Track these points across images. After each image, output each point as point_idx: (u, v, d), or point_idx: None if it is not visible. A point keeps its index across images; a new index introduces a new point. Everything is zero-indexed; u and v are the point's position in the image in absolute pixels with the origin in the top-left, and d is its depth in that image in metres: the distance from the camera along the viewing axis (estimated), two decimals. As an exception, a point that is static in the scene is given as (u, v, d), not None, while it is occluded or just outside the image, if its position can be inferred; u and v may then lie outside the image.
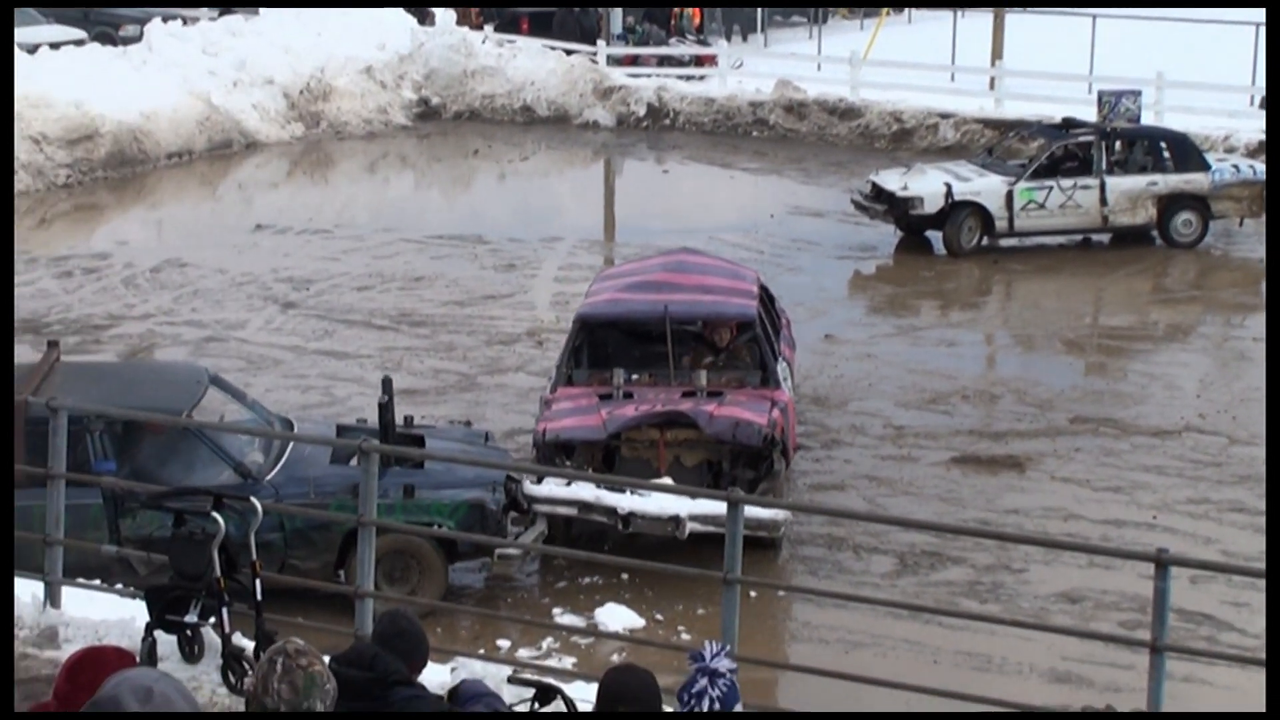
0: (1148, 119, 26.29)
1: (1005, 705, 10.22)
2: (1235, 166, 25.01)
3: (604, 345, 16.16)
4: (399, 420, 13.53)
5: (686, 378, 15.12)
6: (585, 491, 13.70)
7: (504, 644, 12.68)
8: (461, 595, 13.65)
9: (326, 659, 5.89)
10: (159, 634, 10.48)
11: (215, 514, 10.43)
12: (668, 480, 13.81)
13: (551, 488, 13.68)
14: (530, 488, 13.64)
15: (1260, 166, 25.46)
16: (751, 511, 12.83)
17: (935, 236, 24.56)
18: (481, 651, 11.83)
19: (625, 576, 13.74)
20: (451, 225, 26.18)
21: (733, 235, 25.40)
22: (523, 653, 12.44)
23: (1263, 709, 11.69)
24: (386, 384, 13.33)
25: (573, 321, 16.08)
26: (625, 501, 13.64)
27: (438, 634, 11.97)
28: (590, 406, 14.67)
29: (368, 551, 10.42)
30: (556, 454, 14.28)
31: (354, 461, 12.94)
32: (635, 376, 15.24)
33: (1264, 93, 33.73)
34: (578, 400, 14.87)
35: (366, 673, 6.62)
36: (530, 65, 36.36)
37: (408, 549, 12.94)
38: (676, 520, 13.56)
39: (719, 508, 12.36)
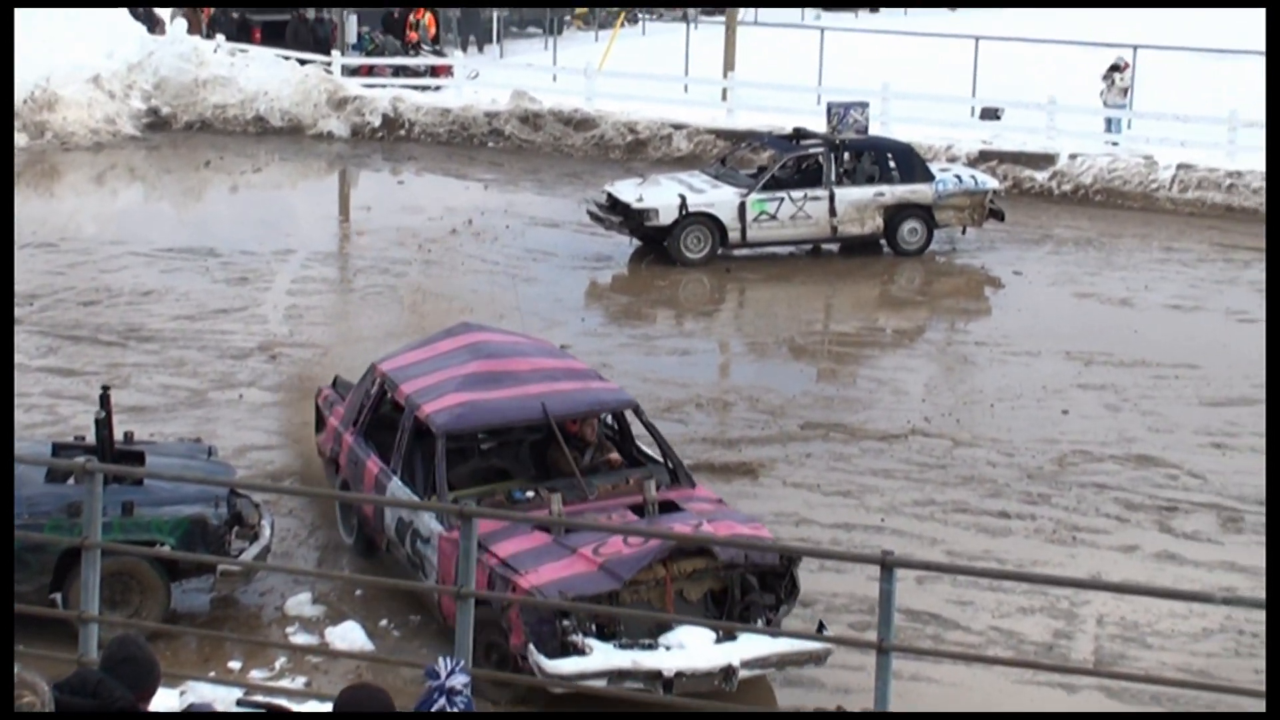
0: (874, 130, 26.79)
1: (740, 709, 10.32)
2: (958, 177, 25.65)
3: (469, 459, 14.00)
4: (118, 436, 13.22)
5: (591, 487, 12.94)
6: (619, 658, 11.59)
7: (235, 665, 12.45)
8: (190, 616, 13.39)
9: (48, 687, 5.74)
10: None
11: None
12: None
13: (579, 662, 11.50)
14: (552, 665, 11.46)
15: (981, 176, 26.19)
16: (796, 645, 11.90)
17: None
18: (212, 674, 11.64)
19: (359, 592, 13.62)
20: (182, 238, 25.71)
21: (469, 246, 25.35)
22: (255, 674, 12.23)
23: (990, 707, 12.02)
24: (104, 399, 13.01)
25: (414, 434, 13.42)
26: (668, 661, 11.55)
27: (166, 656, 11.71)
28: (557, 547, 12.13)
29: (91, 575, 10.15)
30: (557, 618, 11.71)
31: (72, 480, 12.63)
32: (530, 495, 12.89)
33: (983, 104, 34.70)
34: (526, 540, 12.24)
35: (90, 700, 6.47)
36: (263, 75, 35.87)
37: (126, 569, 12.62)
38: (728, 671, 11.65)
39: (771, 646, 11.78)
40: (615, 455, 13.71)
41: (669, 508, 12.79)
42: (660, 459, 13.63)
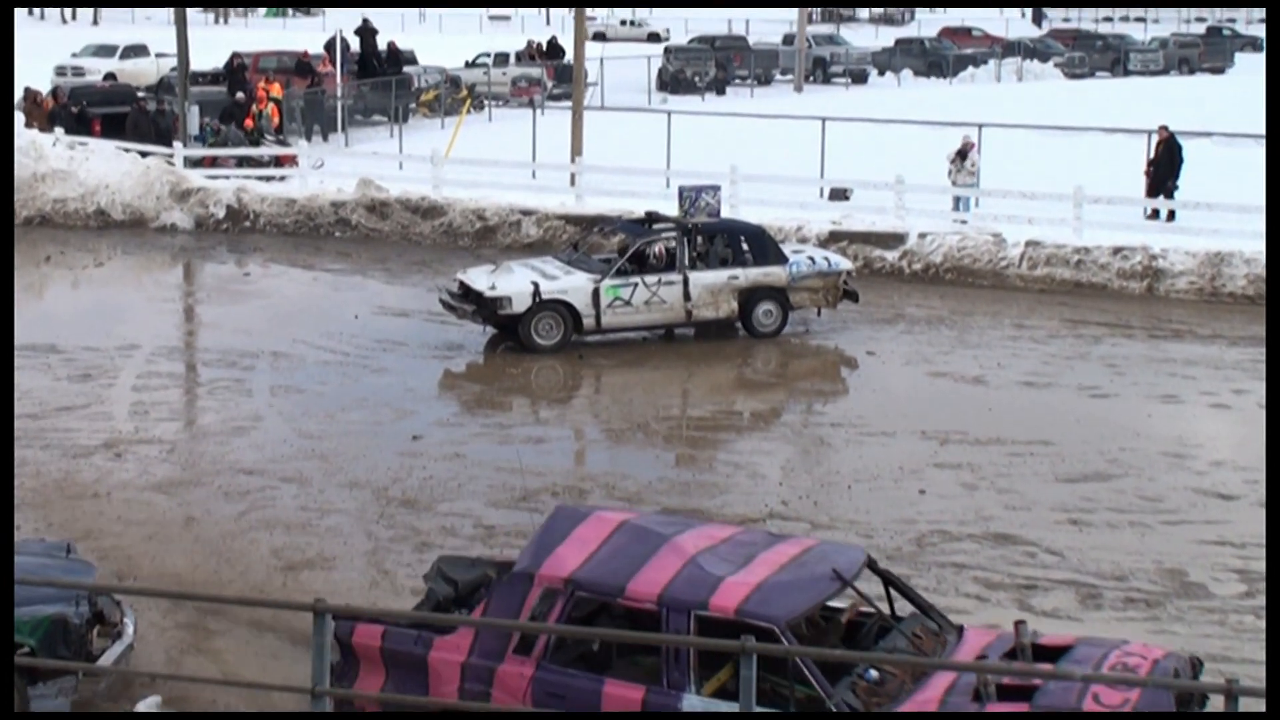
0: (725, 212, 26.97)
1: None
2: (811, 258, 25.83)
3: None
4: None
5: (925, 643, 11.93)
6: None
7: (85, 773, 12.21)
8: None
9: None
10: None
11: None
12: None
13: None
14: None
15: (834, 257, 26.39)
16: None
17: (523, 333, 24.77)
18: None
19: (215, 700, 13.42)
20: (23, 335, 25.19)
21: (317, 338, 25.18)
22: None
23: None
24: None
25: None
26: None
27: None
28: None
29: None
30: None
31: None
32: (876, 674, 11.47)
33: (832, 184, 35.12)
34: None
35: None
36: (104, 168, 35.56)
37: (-21, 673, 12.33)
38: None
39: None
40: (863, 607, 12.44)
41: (1042, 654, 11.76)
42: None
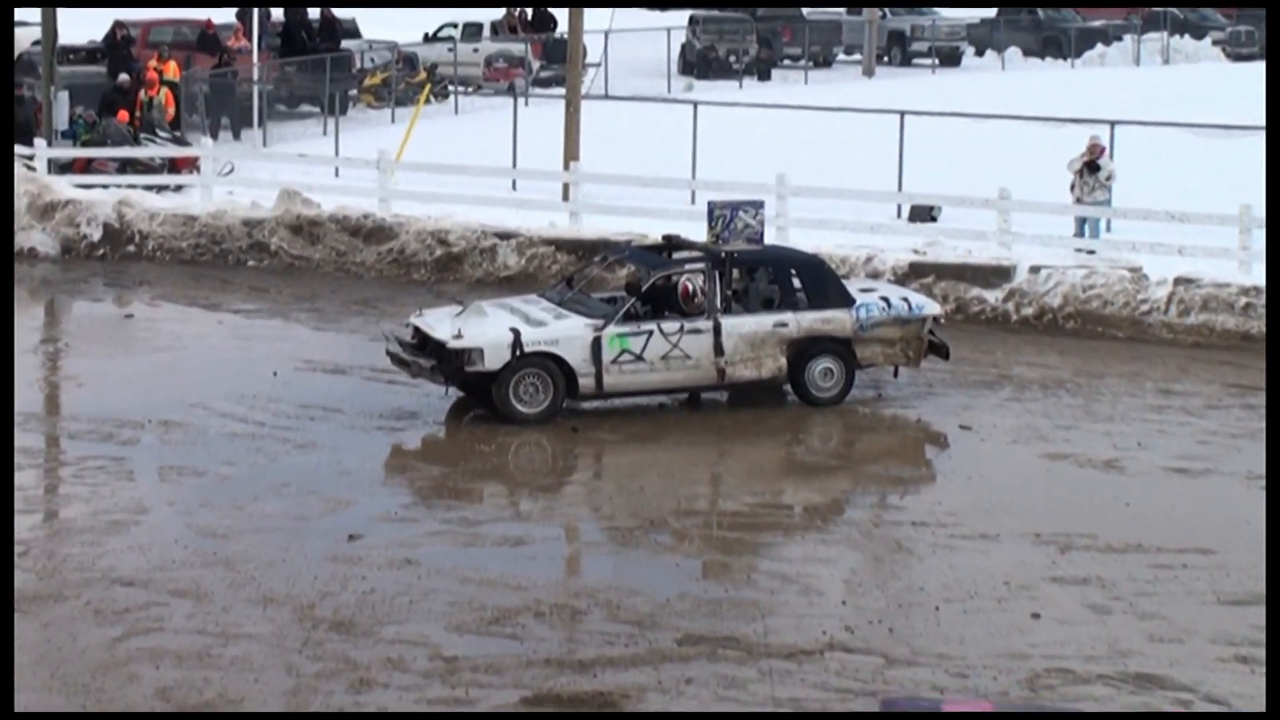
0: (769, 237, 26.85)
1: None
2: (885, 299, 25.62)
3: None
4: None
5: None
6: None
7: None
8: None
9: None
10: None
11: None
12: None
13: None
14: None
15: (915, 298, 26.18)
16: None
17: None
18: None
19: None
20: None
21: (222, 402, 25.06)
22: None
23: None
24: None
25: None
26: None
27: None
28: None
29: None
30: None
31: None
32: None
33: (913, 200, 34.97)
34: None
35: None
36: (-59, 173, 35.62)
37: None
38: None
39: None
40: None
41: None
42: None
